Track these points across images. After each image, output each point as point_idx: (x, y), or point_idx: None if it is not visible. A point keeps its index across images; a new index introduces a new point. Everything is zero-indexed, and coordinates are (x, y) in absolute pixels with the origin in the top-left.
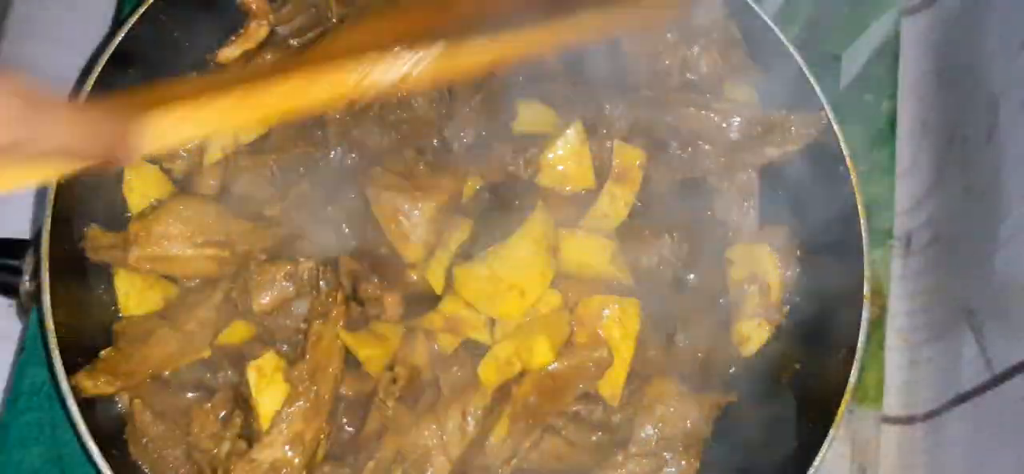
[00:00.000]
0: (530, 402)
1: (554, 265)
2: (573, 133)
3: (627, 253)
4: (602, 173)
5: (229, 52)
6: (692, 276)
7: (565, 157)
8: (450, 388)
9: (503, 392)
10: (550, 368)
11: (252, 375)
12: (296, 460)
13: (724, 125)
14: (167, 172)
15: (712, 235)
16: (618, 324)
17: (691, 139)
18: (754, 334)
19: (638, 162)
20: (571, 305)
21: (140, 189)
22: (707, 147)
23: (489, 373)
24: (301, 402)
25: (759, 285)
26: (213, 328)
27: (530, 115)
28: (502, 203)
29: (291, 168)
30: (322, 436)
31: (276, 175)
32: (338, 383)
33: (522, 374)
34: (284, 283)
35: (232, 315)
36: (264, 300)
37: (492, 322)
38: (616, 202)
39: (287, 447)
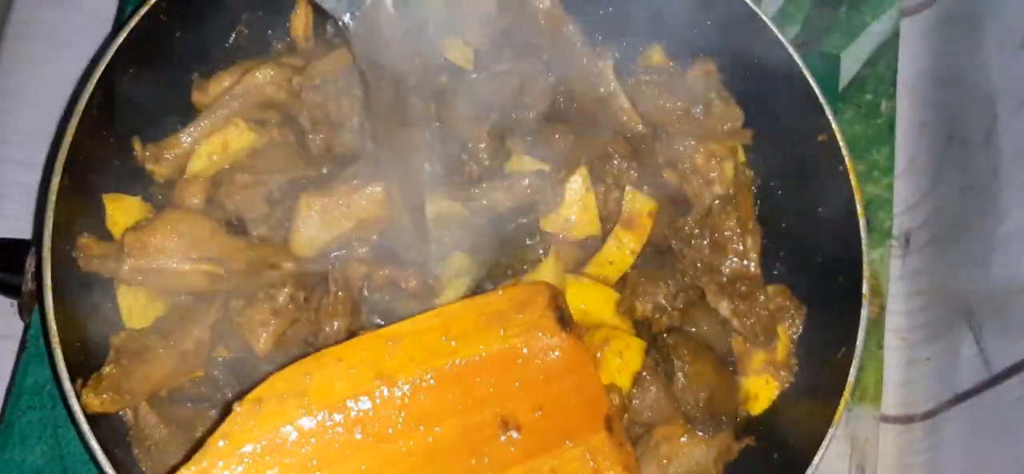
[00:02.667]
0: None
1: None
2: (578, 180)
3: (623, 299)
4: (606, 220)
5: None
6: (692, 328)
7: (571, 203)
8: None
9: None
10: None
11: None
12: None
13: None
14: (149, 174)
15: (711, 282)
16: (618, 357)
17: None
18: (762, 392)
19: (648, 210)
20: None
21: (123, 223)
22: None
23: None
24: None
25: (765, 338)
26: (208, 347)
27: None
28: (506, 240)
29: (291, 190)
30: None
31: (274, 195)
32: None
33: None
34: (272, 320)
35: (227, 336)
36: (265, 343)
37: None
38: (622, 249)
39: None
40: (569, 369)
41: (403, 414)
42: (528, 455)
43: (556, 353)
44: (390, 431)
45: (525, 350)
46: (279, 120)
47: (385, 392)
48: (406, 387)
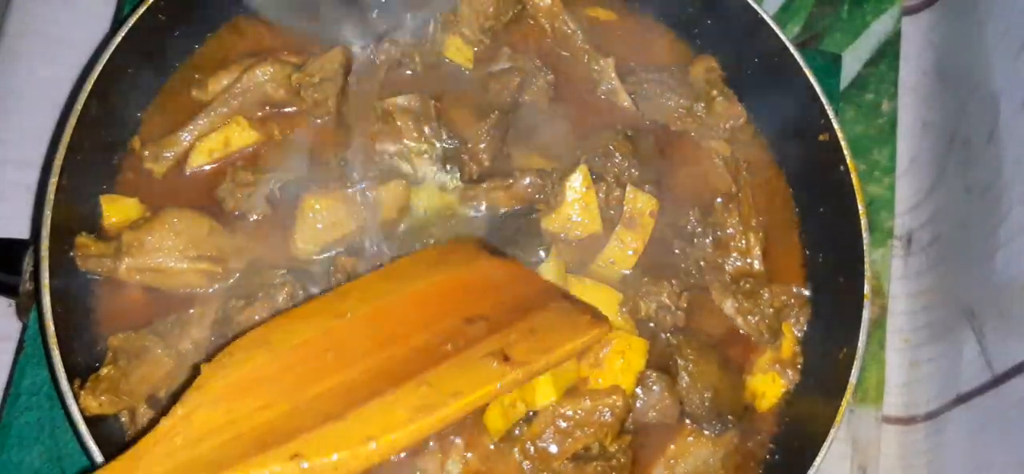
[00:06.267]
0: (539, 446)
1: None
2: (579, 178)
3: (627, 299)
4: (608, 219)
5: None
6: (697, 328)
7: (572, 203)
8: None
9: (510, 435)
10: (563, 411)
11: None
12: None
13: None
14: (148, 173)
15: (715, 281)
16: (620, 357)
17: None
18: (768, 391)
19: (649, 209)
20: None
21: (120, 224)
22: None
23: (495, 420)
24: None
25: (770, 336)
26: (206, 348)
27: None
28: (506, 241)
29: (291, 189)
30: None
31: (274, 194)
32: None
33: (532, 416)
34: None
35: (225, 335)
36: None
37: None
38: (624, 249)
39: None
40: (514, 279)
41: (369, 337)
42: (503, 327)
43: (497, 271)
44: (361, 352)
45: (468, 275)
46: (279, 118)
47: (347, 325)
48: (366, 320)
